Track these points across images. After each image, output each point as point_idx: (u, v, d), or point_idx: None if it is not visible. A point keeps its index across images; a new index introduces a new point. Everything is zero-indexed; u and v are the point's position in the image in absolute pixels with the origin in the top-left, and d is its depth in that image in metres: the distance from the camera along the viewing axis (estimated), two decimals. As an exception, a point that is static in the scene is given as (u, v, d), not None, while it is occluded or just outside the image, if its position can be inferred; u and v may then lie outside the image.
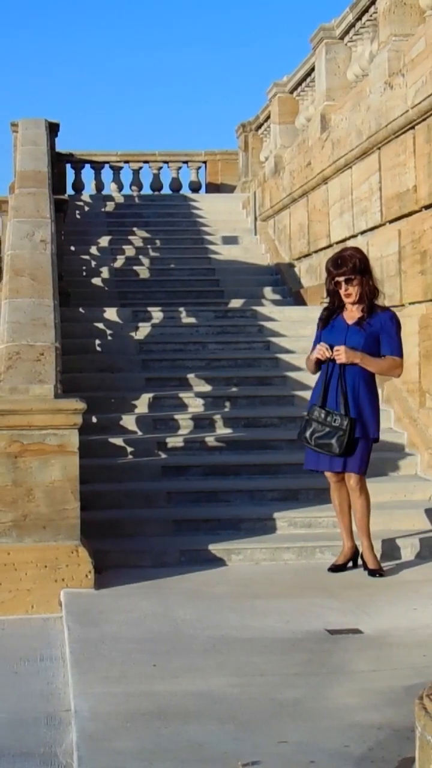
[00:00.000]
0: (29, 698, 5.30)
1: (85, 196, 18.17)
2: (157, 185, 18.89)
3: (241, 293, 13.61)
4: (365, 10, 11.58)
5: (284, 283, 14.18)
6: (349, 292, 7.43)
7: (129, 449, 9.37)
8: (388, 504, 8.56)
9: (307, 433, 7.31)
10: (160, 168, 19.00)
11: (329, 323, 7.54)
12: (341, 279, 7.39)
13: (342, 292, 7.43)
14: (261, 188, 15.98)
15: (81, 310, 12.17)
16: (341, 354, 7.26)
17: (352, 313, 7.45)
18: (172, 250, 15.26)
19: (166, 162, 19.07)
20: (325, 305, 7.77)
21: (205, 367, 10.87)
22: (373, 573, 7.36)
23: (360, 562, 7.59)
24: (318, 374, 7.52)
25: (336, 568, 7.51)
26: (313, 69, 13.57)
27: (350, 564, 7.59)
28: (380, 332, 7.38)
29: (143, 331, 11.54)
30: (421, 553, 7.92)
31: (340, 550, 7.67)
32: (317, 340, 7.54)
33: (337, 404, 7.31)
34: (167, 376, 10.69)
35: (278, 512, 8.30)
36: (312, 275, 13.20)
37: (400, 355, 7.41)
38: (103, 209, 17.22)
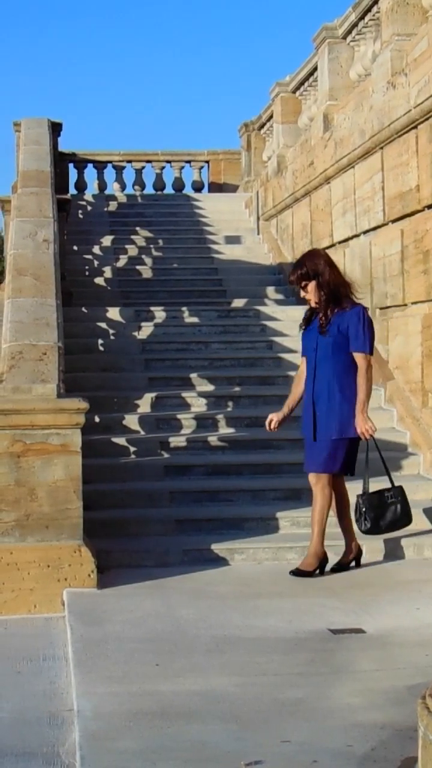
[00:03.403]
0: (32, 698, 5.30)
1: (88, 195, 18.17)
2: (159, 185, 18.89)
3: (243, 293, 13.60)
4: (368, 10, 11.58)
5: (287, 282, 14.16)
6: (306, 297, 7.54)
7: (132, 449, 9.37)
8: (391, 503, 8.55)
9: (369, 524, 7.38)
10: (163, 167, 19.00)
11: (310, 324, 7.60)
12: (294, 285, 7.51)
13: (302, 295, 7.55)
14: (264, 188, 15.98)
15: (84, 309, 12.18)
16: (367, 429, 7.32)
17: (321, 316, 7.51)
18: (175, 249, 15.25)
19: (168, 161, 19.07)
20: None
21: (207, 366, 10.87)
22: (293, 571, 7.39)
23: (362, 560, 7.60)
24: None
25: (340, 567, 7.52)
26: (315, 68, 13.56)
27: (353, 564, 7.59)
28: (347, 330, 7.37)
29: (146, 330, 11.54)
30: (423, 553, 7.92)
31: (343, 549, 7.67)
32: (302, 341, 7.67)
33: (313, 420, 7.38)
34: (170, 375, 10.70)
35: (281, 512, 8.30)
36: (315, 275, 13.18)
37: (366, 350, 7.35)
38: (105, 209, 17.22)
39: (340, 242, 12.05)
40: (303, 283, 7.49)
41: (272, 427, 7.68)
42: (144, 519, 8.32)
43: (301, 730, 4.55)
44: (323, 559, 7.47)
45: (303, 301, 13.13)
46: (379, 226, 10.71)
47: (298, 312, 12.33)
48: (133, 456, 9.34)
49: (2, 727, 4.90)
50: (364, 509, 7.36)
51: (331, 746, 4.35)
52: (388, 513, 7.38)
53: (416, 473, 9.27)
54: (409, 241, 9.78)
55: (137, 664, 5.55)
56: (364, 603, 6.65)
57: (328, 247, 12.48)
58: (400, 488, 7.44)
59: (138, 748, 4.38)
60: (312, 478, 7.46)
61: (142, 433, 9.67)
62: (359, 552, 7.61)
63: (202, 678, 5.29)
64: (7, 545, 7.10)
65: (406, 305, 9.98)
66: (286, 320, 11.97)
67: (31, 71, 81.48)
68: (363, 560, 7.73)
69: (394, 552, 7.90)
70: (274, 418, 7.67)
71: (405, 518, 7.44)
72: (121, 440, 9.41)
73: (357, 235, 11.41)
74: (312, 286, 7.45)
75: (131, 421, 9.75)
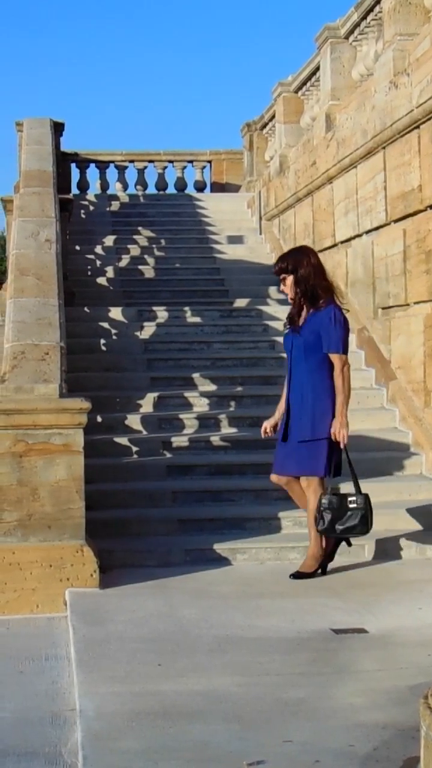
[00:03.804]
0: (34, 698, 5.31)
1: (90, 195, 18.16)
2: (161, 185, 18.88)
3: (246, 293, 13.59)
4: (370, 10, 11.57)
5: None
6: (284, 291, 7.54)
7: (134, 449, 9.38)
8: (393, 503, 8.56)
9: (326, 524, 7.25)
10: (165, 167, 18.99)
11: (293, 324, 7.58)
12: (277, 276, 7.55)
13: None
14: (266, 188, 15.97)
15: (86, 309, 12.18)
16: (342, 435, 7.24)
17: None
18: (177, 249, 15.25)
19: (171, 161, 19.06)
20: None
21: (210, 366, 10.87)
22: (294, 574, 7.37)
23: (365, 560, 7.60)
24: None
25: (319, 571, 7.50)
26: (318, 68, 13.56)
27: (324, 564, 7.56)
28: (320, 330, 7.33)
29: (148, 330, 11.54)
30: (426, 553, 7.92)
31: (344, 548, 7.66)
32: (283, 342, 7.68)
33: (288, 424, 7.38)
34: (172, 375, 10.70)
35: (283, 512, 8.30)
36: (317, 275, 13.18)
37: (339, 350, 7.28)
38: (108, 209, 17.21)
39: (342, 242, 12.04)
40: (282, 276, 7.49)
41: (267, 433, 7.65)
42: (146, 519, 8.32)
43: (304, 730, 4.55)
44: (323, 560, 7.46)
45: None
46: (381, 226, 10.70)
47: (301, 312, 12.37)
48: (135, 456, 9.34)
49: (5, 727, 4.91)
50: (323, 508, 7.26)
51: (333, 746, 4.35)
52: (346, 518, 7.22)
53: (419, 473, 9.27)
54: (412, 241, 9.78)
55: (139, 663, 5.55)
56: (366, 603, 6.66)
57: (330, 247, 12.49)
58: (366, 496, 7.30)
59: (140, 748, 4.38)
60: (303, 481, 7.41)
61: (145, 432, 9.67)
62: (326, 560, 7.54)
63: (204, 678, 5.29)
64: (9, 545, 7.10)
65: (408, 305, 9.98)
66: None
67: (33, 71, 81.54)
68: (365, 560, 7.74)
69: (396, 552, 7.90)
70: (267, 425, 7.62)
71: (362, 527, 7.26)
72: (123, 440, 9.42)
73: (359, 235, 11.41)
74: (290, 280, 7.44)
75: (133, 420, 9.75)
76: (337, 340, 7.28)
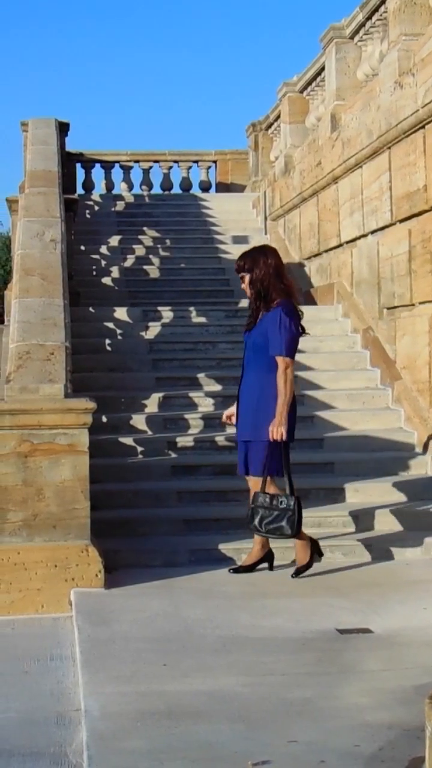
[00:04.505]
0: (39, 698, 5.31)
1: (95, 195, 18.18)
2: (167, 185, 18.89)
3: (251, 293, 13.58)
4: (375, 10, 11.57)
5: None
6: (244, 289, 7.57)
7: (139, 449, 9.38)
8: (398, 503, 8.56)
9: (256, 521, 7.25)
10: (170, 167, 19.00)
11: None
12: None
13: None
14: (271, 188, 15.97)
15: (91, 309, 12.18)
16: (279, 434, 7.20)
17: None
18: (182, 249, 15.26)
19: (176, 161, 19.06)
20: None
21: (215, 366, 10.87)
22: (296, 572, 7.38)
23: (368, 560, 7.59)
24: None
25: (242, 569, 7.50)
26: (323, 68, 13.56)
27: (264, 564, 7.55)
28: (267, 331, 7.31)
29: (153, 330, 11.54)
30: (431, 553, 7.90)
31: (350, 549, 7.68)
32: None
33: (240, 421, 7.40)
34: (177, 375, 10.70)
35: (288, 512, 8.29)
36: (322, 275, 13.19)
37: (281, 352, 7.24)
38: (113, 209, 17.23)
39: (347, 242, 12.04)
40: (242, 275, 7.52)
41: (230, 421, 7.70)
42: (151, 519, 8.32)
43: (309, 730, 4.55)
44: (314, 545, 7.44)
45: (311, 301, 13.22)
46: (386, 226, 10.70)
47: (306, 312, 12.22)
48: (140, 456, 9.34)
49: (10, 727, 4.91)
50: (254, 506, 7.26)
51: (338, 746, 4.35)
52: (274, 518, 7.20)
53: (424, 473, 9.26)
54: (417, 241, 9.77)
55: (144, 663, 5.55)
56: (371, 603, 6.65)
57: (335, 247, 12.49)
58: (297, 499, 7.25)
59: (145, 748, 4.38)
60: (249, 480, 7.43)
61: (150, 433, 9.67)
62: (270, 555, 7.55)
63: (209, 678, 5.29)
64: (14, 545, 7.11)
65: (413, 305, 9.97)
66: (294, 320, 11.94)
67: (38, 71, 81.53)
68: (370, 560, 7.73)
69: (401, 552, 7.89)
70: (226, 414, 7.73)
71: (289, 529, 7.20)
72: (128, 440, 9.42)
73: (365, 235, 11.41)
74: (247, 279, 7.47)
75: (139, 421, 9.76)
76: (280, 342, 7.24)
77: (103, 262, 14.78)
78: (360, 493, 8.72)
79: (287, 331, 7.27)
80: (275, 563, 7.56)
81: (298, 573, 7.35)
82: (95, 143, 58.80)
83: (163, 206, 17.59)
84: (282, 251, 15.07)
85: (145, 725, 4.65)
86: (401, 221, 10.26)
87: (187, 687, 5.16)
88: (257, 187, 17.66)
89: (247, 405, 7.36)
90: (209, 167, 19.34)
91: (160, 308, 12.23)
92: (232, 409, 7.62)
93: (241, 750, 4.33)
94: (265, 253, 7.57)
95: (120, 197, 18.02)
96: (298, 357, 10.91)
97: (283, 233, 15.40)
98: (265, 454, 7.24)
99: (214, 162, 19.44)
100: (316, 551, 7.45)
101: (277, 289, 7.38)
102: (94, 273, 14.46)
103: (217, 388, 10.48)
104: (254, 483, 7.36)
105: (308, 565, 7.37)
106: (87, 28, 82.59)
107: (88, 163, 18.67)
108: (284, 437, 7.19)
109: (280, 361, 7.24)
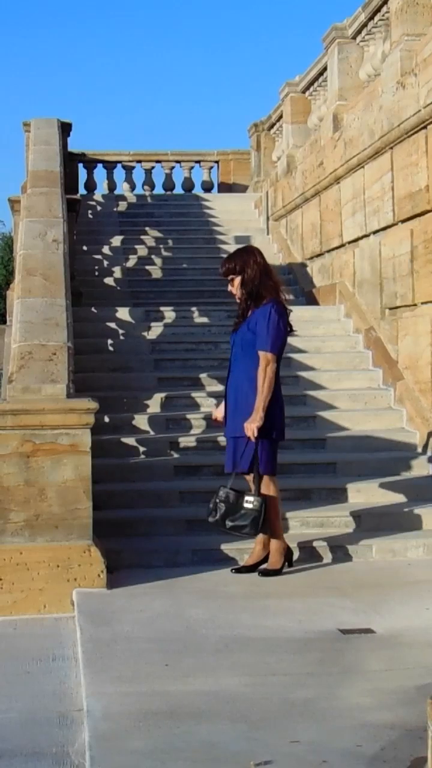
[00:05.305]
0: (42, 698, 5.31)
1: (98, 195, 18.18)
2: (169, 185, 18.89)
3: (253, 293, 13.58)
4: (377, 10, 11.57)
5: (296, 282, 14.17)
6: (231, 291, 7.58)
7: (141, 449, 9.38)
8: (400, 503, 8.56)
9: (218, 516, 7.27)
10: (173, 168, 19.00)
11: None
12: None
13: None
14: (273, 188, 15.97)
15: (93, 309, 12.18)
16: (251, 431, 7.20)
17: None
18: (185, 249, 15.26)
19: (178, 162, 19.07)
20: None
21: (217, 366, 10.86)
22: (262, 572, 7.38)
23: (370, 560, 7.58)
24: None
25: (244, 569, 7.49)
26: (325, 68, 13.56)
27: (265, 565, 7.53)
28: (255, 328, 7.34)
29: (155, 330, 11.55)
30: (433, 553, 7.91)
31: (352, 549, 7.66)
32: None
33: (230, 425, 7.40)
34: (180, 375, 10.70)
35: (290, 512, 8.29)
36: (324, 275, 13.19)
37: (266, 348, 7.25)
38: (115, 209, 17.23)
39: (349, 242, 12.04)
40: (230, 277, 7.54)
41: (218, 420, 7.70)
42: (154, 519, 8.32)
43: (311, 730, 4.55)
44: (288, 554, 7.46)
45: (313, 301, 13.22)
46: (388, 226, 10.70)
47: (308, 312, 12.37)
48: (142, 456, 9.34)
49: (12, 727, 4.91)
50: (218, 500, 7.28)
51: (340, 746, 4.35)
52: (238, 516, 7.22)
53: (426, 473, 9.26)
54: (419, 242, 9.77)
55: (147, 664, 5.55)
56: (373, 603, 6.65)
57: (338, 247, 12.49)
58: (262, 500, 7.25)
59: (147, 748, 4.39)
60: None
61: (152, 433, 9.67)
62: (290, 553, 7.54)
63: (211, 678, 5.29)
64: (16, 545, 7.11)
65: (415, 305, 9.97)
66: (296, 320, 11.77)
67: (40, 71, 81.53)
68: (372, 560, 7.73)
69: (403, 552, 7.89)
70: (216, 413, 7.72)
71: (251, 529, 7.22)
72: (130, 440, 9.42)
73: (367, 235, 11.41)
74: (237, 281, 7.50)
75: (141, 421, 9.76)
76: (266, 337, 7.27)
77: (106, 263, 14.79)
78: (362, 493, 8.72)
79: (275, 328, 7.30)
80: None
81: (265, 574, 7.34)
82: (97, 143, 58.81)
83: (166, 206, 17.59)
84: (284, 251, 15.14)
85: (147, 725, 4.65)
86: (403, 221, 10.26)
87: (189, 687, 5.16)
88: (259, 187, 17.66)
89: (237, 402, 7.37)
90: (211, 167, 19.35)
91: (162, 308, 12.23)
92: (221, 409, 7.62)
93: (243, 750, 4.33)
94: (252, 253, 7.63)
95: (122, 197, 18.03)
96: (299, 357, 10.98)
97: (285, 233, 15.40)
98: (254, 450, 7.26)
99: (217, 162, 19.45)
100: (287, 560, 7.45)
101: (267, 287, 7.45)
102: (97, 273, 14.46)
103: (219, 388, 10.45)
104: (250, 480, 7.36)
105: (278, 572, 7.37)
106: (89, 29, 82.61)
107: (91, 164, 18.68)
108: (255, 434, 7.18)
109: (263, 356, 7.26)
